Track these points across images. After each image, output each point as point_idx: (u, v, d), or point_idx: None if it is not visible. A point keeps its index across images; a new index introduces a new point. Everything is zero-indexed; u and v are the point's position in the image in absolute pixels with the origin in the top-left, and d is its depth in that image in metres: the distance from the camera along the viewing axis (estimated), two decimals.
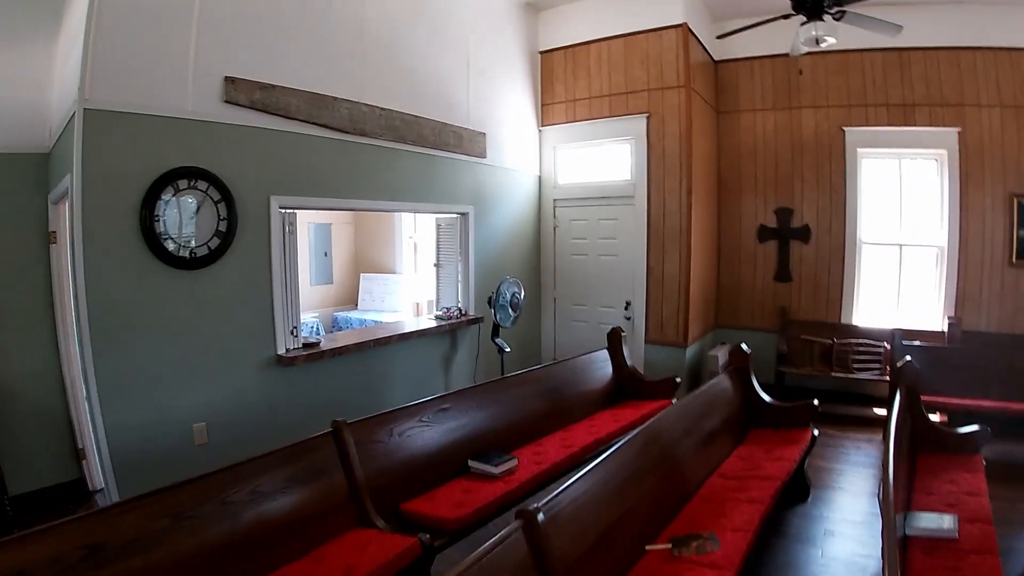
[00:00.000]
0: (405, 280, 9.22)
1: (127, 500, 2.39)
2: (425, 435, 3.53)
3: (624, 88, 6.39)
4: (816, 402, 4.24)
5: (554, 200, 6.94)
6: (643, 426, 3.31)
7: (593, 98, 6.65)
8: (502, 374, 5.49)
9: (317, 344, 4.50)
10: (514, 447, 3.94)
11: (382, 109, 4.92)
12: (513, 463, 3.61)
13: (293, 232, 4.29)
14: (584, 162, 6.83)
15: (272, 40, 4.16)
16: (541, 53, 6.95)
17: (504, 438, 3.95)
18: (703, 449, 3.70)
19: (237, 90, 3.93)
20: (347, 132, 4.64)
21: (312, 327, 8.29)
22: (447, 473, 3.53)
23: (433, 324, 5.59)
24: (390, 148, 5.03)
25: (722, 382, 4.40)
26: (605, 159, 6.67)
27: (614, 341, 5.30)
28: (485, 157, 6.10)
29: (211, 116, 3.83)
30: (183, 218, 3.64)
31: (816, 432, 4.23)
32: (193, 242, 3.69)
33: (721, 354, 6.35)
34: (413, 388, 5.23)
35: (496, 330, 5.68)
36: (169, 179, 3.56)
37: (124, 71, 3.43)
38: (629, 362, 5.32)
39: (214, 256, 3.80)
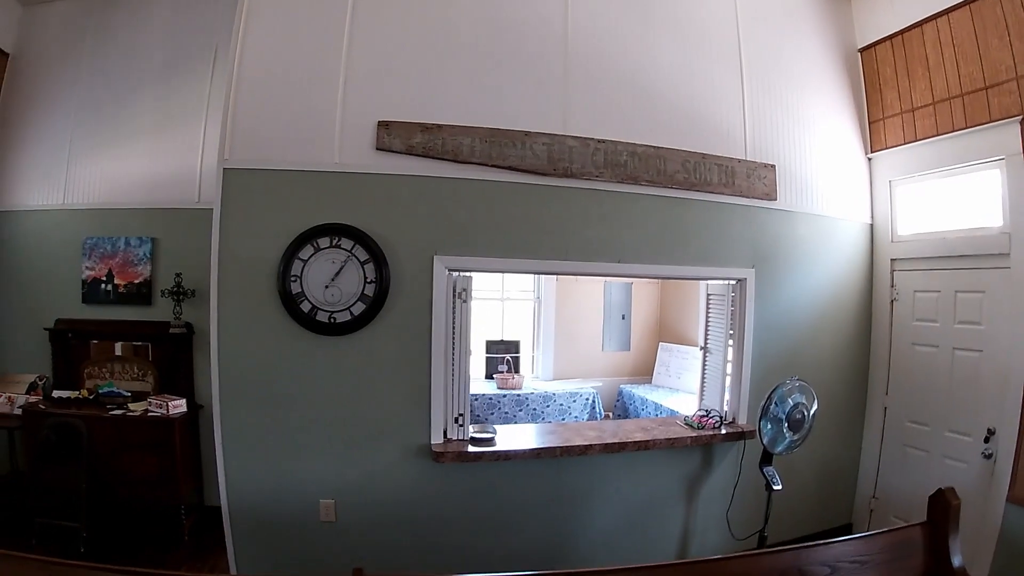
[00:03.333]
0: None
1: None
2: None
3: (981, 81, 4.37)
4: None
5: (891, 260, 5.17)
6: None
7: (938, 103, 4.73)
8: (764, 523, 4.28)
9: (490, 441, 4.04)
10: None
11: (599, 141, 4.24)
12: None
13: (466, 299, 4.00)
14: (932, 202, 4.90)
15: (438, 72, 4.00)
16: (861, 51, 5.35)
17: None
18: None
19: (391, 135, 3.85)
20: (544, 174, 4.12)
21: (589, 399, 7.96)
22: None
23: (676, 433, 4.52)
24: (613, 192, 4.33)
25: None
26: (961, 196, 4.68)
27: (939, 514, 2.82)
28: (774, 199, 4.85)
29: (360, 167, 3.84)
30: (324, 279, 3.78)
31: None
32: (333, 306, 3.78)
33: None
34: (629, 517, 4.49)
35: (768, 455, 4.42)
36: (310, 237, 3.74)
37: (266, 128, 3.76)
38: (958, 560, 2.73)
39: (358, 323, 3.80)
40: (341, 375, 3.85)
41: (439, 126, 3.92)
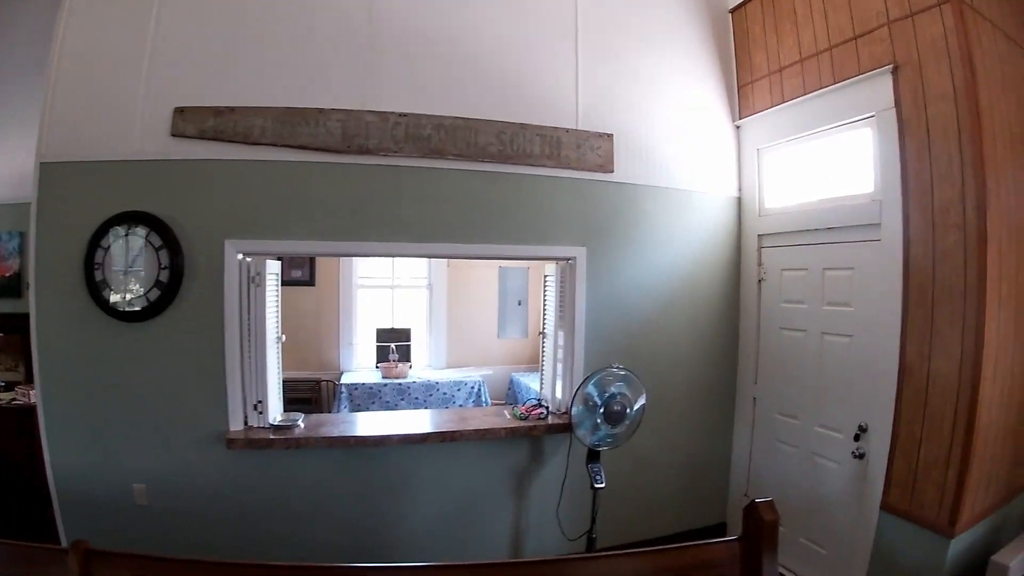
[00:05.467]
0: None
1: None
2: None
3: (850, 30, 3.42)
4: None
5: (758, 236, 4.18)
6: None
7: (806, 59, 3.74)
8: (592, 523, 3.52)
9: (290, 429, 3.51)
10: None
11: (400, 115, 3.55)
12: None
13: (260, 284, 3.50)
14: (801, 170, 3.96)
15: (234, 53, 3.46)
16: (732, 12, 4.37)
17: None
18: None
19: (185, 120, 3.39)
20: (338, 152, 3.49)
21: (474, 387, 6.98)
22: None
23: (490, 424, 3.76)
24: (416, 167, 3.61)
25: None
26: (831, 162, 3.72)
27: (754, 529, 2.00)
28: (611, 171, 3.95)
29: (156, 154, 3.38)
30: (122, 267, 3.39)
31: None
32: (132, 293, 3.38)
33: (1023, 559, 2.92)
34: (453, 511, 3.79)
35: (595, 451, 3.51)
36: (110, 225, 3.35)
37: (80, 121, 3.35)
38: None
39: (155, 309, 3.38)
40: (144, 362, 3.41)
41: (231, 109, 3.43)
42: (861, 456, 3.34)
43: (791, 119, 3.90)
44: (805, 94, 3.77)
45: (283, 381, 7.28)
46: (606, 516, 3.88)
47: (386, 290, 7.96)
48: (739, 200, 4.36)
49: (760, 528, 1.99)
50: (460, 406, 6.82)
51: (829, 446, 3.59)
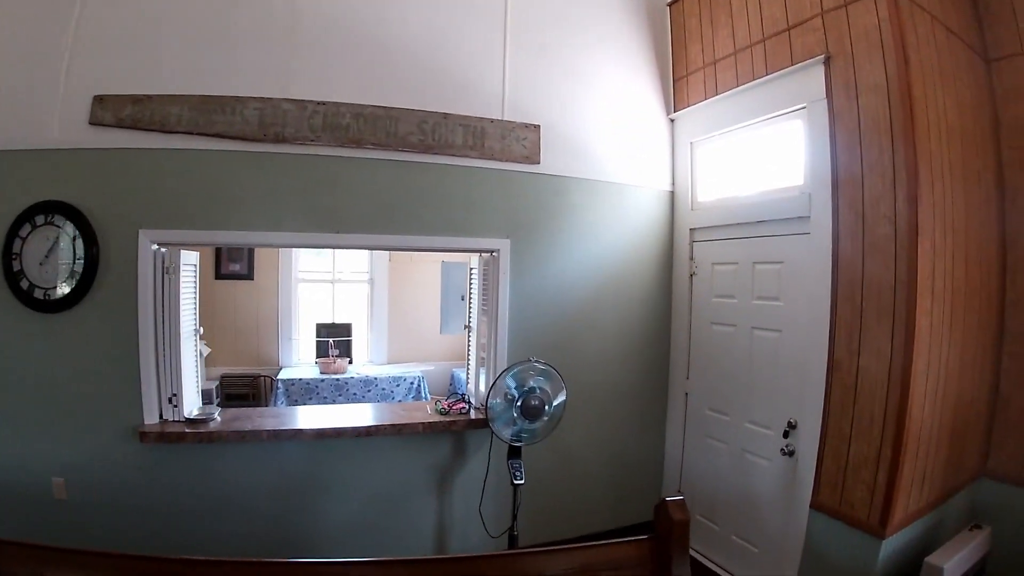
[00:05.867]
0: None
1: None
2: None
3: (784, 21, 3.28)
4: None
5: (690, 230, 4.03)
6: None
7: (740, 51, 3.60)
8: (513, 520, 3.33)
9: (204, 423, 3.33)
10: None
11: (319, 103, 3.36)
12: None
13: (175, 275, 3.31)
14: (733, 163, 3.81)
15: (155, 40, 3.22)
16: (669, 5, 4.22)
17: None
18: None
19: (104, 108, 3.16)
20: (255, 140, 3.29)
21: (413, 383, 6.71)
22: None
23: (408, 419, 3.57)
24: (333, 157, 3.41)
25: None
26: (763, 155, 3.58)
27: (663, 529, 1.97)
28: (537, 163, 3.76)
29: (75, 143, 3.15)
30: (39, 256, 3.21)
31: None
32: (48, 283, 3.21)
33: (958, 561, 2.90)
34: (375, 507, 3.58)
35: (516, 447, 3.33)
36: (28, 215, 3.18)
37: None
38: None
39: (69, 301, 3.20)
40: (61, 353, 3.21)
41: (149, 96, 3.22)
42: (791, 453, 3.20)
43: (724, 112, 3.76)
44: (738, 86, 3.63)
45: (221, 377, 7.04)
46: (533, 513, 3.74)
47: (327, 284, 7.61)
48: (672, 194, 4.20)
49: (670, 527, 1.91)
50: (399, 402, 6.53)
51: (759, 443, 3.45)
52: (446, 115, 3.56)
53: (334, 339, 7.11)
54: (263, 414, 3.78)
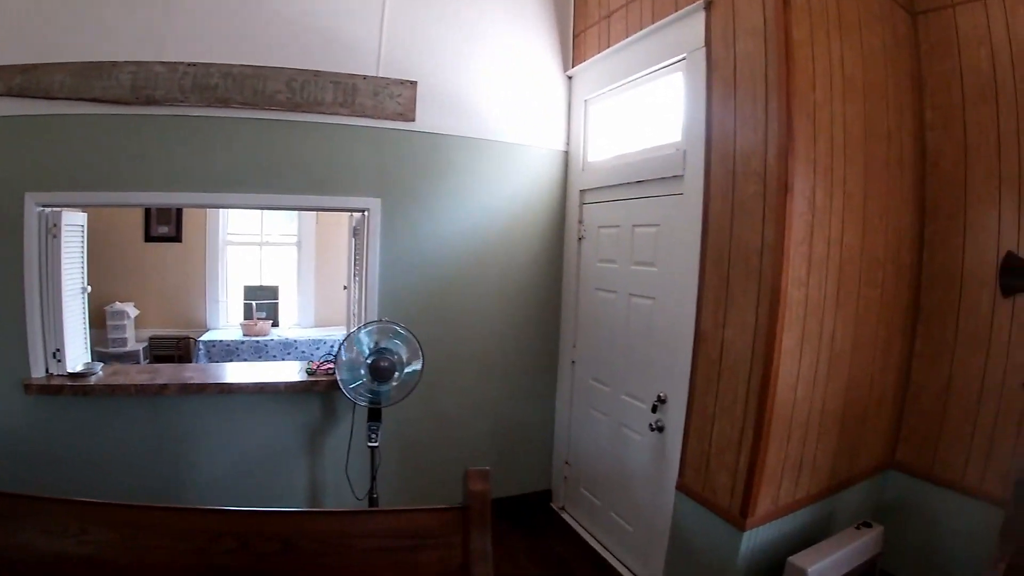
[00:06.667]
0: None
1: None
2: None
3: None
4: None
5: (580, 192, 3.66)
6: None
7: (631, 1, 3.46)
8: (372, 482, 3.17)
9: (86, 377, 3.24)
10: None
11: (189, 65, 3.13)
12: None
13: (57, 235, 3.22)
14: (621, 121, 3.42)
15: (41, 8, 3.05)
16: None
17: None
18: None
19: None
20: (128, 103, 3.09)
21: (333, 346, 6.17)
22: None
23: (269, 378, 3.36)
24: (201, 117, 3.19)
25: None
26: (647, 112, 3.20)
27: (471, 499, 1.70)
28: (412, 120, 3.40)
29: None
30: None
31: None
32: None
33: (833, 562, 2.46)
34: (247, 464, 3.40)
35: (376, 409, 3.10)
36: None
37: None
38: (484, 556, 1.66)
39: None
40: None
41: (36, 66, 3.11)
42: (660, 429, 2.88)
43: (615, 66, 3.35)
44: (627, 37, 3.21)
45: (149, 338, 6.60)
46: (408, 478, 3.56)
47: (255, 247, 7.15)
48: (566, 154, 3.79)
49: (474, 497, 1.71)
50: (283, 361, 6.20)
51: (633, 416, 3.13)
52: (317, 72, 3.27)
53: (259, 302, 6.68)
54: (142, 371, 3.57)
